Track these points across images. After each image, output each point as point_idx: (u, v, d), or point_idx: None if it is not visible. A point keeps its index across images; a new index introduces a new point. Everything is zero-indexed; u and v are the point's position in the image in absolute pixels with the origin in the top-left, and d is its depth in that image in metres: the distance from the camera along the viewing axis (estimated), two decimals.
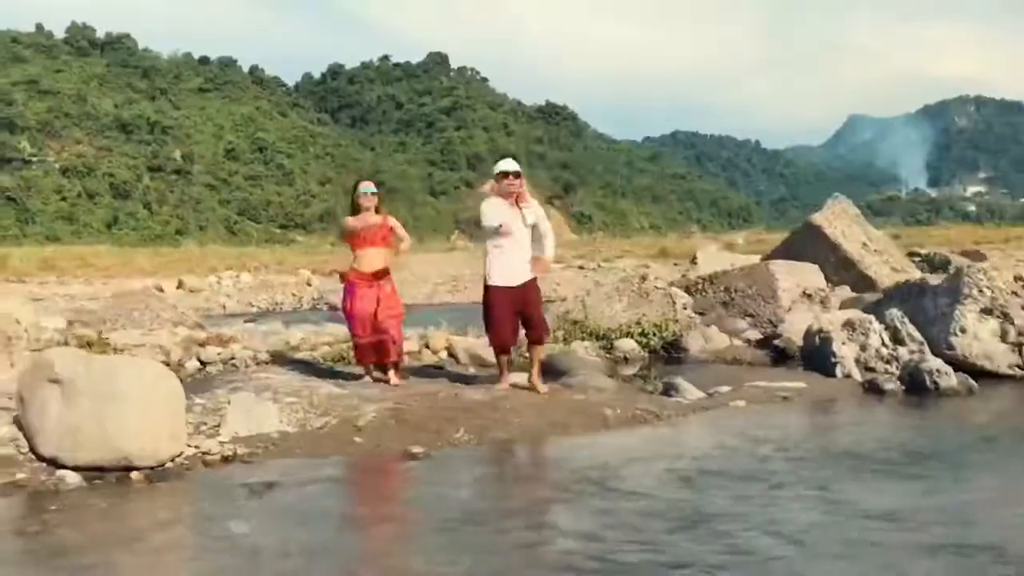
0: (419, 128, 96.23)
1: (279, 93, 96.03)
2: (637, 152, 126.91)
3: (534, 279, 6.02)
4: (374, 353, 6.20)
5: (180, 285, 23.12)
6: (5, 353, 5.83)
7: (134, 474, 4.13)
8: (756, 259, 12.21)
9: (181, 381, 6.81)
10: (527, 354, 6.63)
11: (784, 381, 6.44)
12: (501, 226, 5.79)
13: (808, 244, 10.77)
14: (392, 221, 6.36)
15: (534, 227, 5.95)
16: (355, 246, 6.26)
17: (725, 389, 6.23)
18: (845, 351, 6.95)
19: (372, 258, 6.21)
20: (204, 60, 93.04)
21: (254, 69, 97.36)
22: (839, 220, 10.88)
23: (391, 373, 6.17)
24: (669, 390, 6.09)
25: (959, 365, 6.68)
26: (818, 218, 10.77)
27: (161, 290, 22.33)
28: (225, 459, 4.44)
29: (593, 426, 5.12)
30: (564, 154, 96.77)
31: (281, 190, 76.55)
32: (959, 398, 6.14)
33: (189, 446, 4.52)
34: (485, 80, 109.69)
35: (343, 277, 6.38)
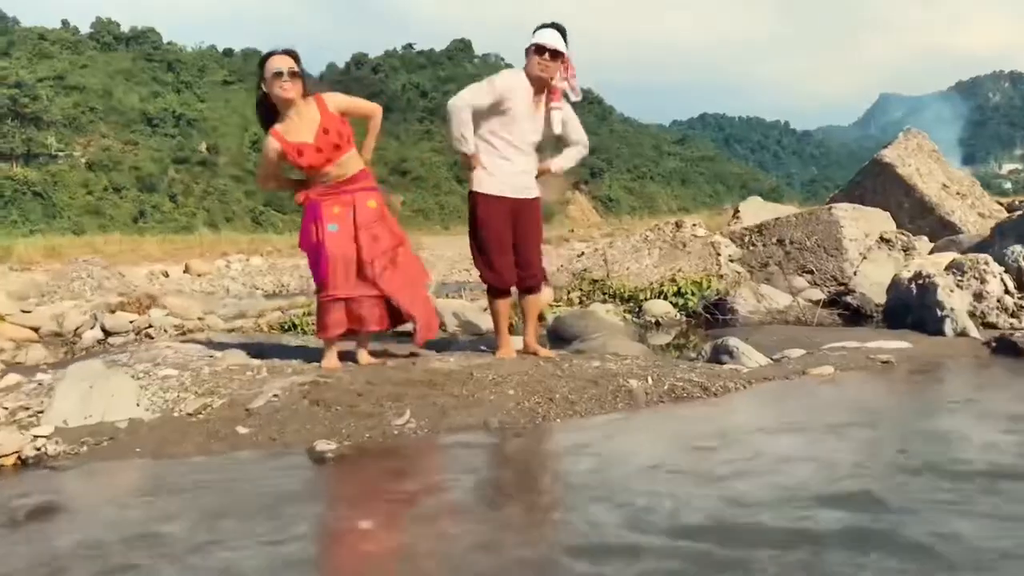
0: (444, 116, 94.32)
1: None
2: (665, 135, 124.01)
3: (537, 199, 4.36)
4: (351, 318, 3.81)
5: (187, 269, 22.13)
6: None
7: None
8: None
9: (70, 355, 5.32)
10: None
11: (878, 341, 4.67)
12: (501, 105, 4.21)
13: (876, 187, 8.91)
14: (339, 102, 4.09)
15: (560, 137, 4.37)
16: (304, 169, 3.98)
17: (797, 353, 4.49)
18: (955, 301, 5.16)
19: (335, 171, 3.98)
20: (228, 52, 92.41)
21: None
22: (914, 157, 8.99)
23: (362, 348, 3.92)
24: (720, 354, 4.36)
25: None
26: (888, 154, 8.89)
27: (167, 275, 21.21)
28: (23, 462, 2.84)
29: (610, 404, 3.41)
30: (591, 138, 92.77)
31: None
32: None
33: None
34: (510, 66, 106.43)
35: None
